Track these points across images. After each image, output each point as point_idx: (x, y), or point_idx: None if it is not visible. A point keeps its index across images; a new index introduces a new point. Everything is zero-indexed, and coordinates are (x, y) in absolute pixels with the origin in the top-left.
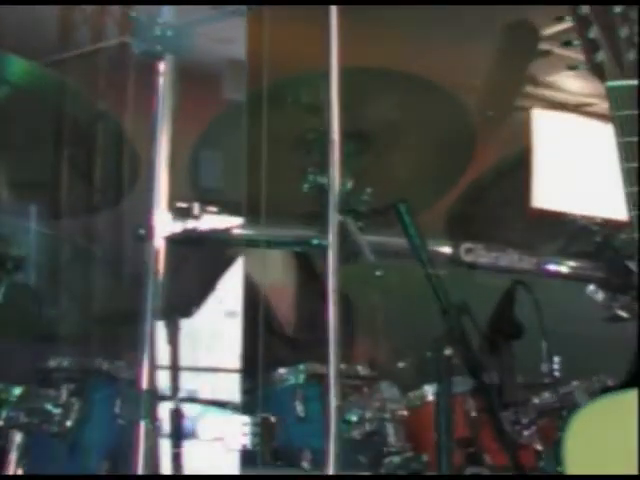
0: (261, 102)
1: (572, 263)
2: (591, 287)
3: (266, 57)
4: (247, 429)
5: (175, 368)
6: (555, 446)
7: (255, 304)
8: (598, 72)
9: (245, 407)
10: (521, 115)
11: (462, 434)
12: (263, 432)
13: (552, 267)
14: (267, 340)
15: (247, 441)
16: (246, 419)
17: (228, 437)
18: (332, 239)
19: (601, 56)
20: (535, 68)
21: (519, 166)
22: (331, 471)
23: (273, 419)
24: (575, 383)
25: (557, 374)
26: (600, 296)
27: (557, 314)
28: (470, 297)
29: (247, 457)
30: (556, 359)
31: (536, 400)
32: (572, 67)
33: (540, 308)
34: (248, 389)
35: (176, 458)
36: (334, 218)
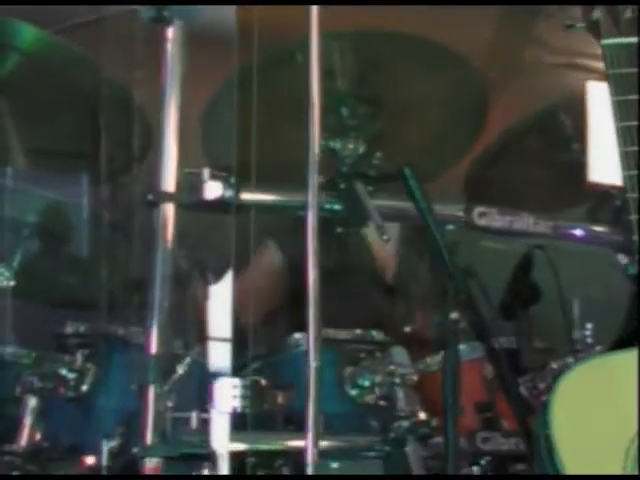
0: (268, 67)
1: (590, 227)
2: (619, 254)
3: (257, 19)
4: (237, 392)
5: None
6: (543, 409)
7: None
8: (594, 30)
9: (256, 372)
10: (534, 78)
11: (479, 399)
12: (253, 395)
13: (569, 231)
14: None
15: (237, 404)
16: (236, 381)
17: (218, 400)
18: (311, 199)
19: (597, 14)
20: (585, 40)
21: (534, 129)
22: (310, 435)
23: (263, 382)
24: (598, 348)
25: (589, 340)
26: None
27: (578, 280)
28: (483, 261)
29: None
30: (588, 325)
31: (554, 365)
32: (569, 26)
33: (558, 272)
34: (262, 354)
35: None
36: (313, 179)
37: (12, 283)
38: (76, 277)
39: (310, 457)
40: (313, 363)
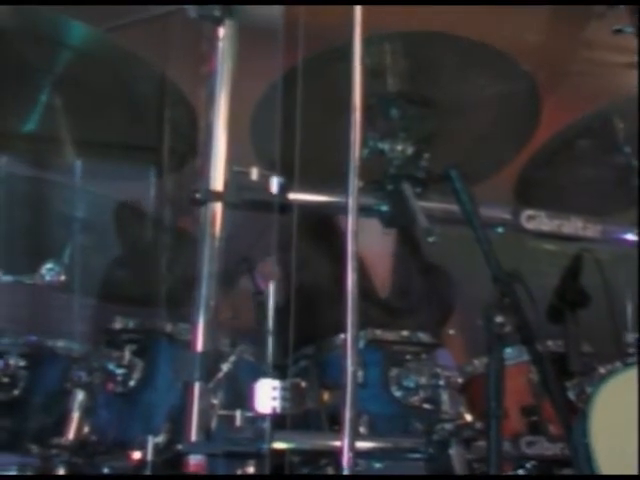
0: (318, 66)
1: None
2: None
3: (302, 20)
4: (277, 393)
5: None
6: (581, 418)
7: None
8: None
9: (301, 373)
10: (584, 80)
11: (526, 402)
12: (293, 397)
13: (619, 235)
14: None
15: (277, 405)
16: (276, 383)
17: (258, 401)
18: (352, 204)
19: None
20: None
21: (586, 132)
22: (347, 437)
23: (303, 384)
24: None
25: None
26: None
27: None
28: (532, 262)
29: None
30: None
31: (602, 370)
32: (617, 31)
33: (606, 276)
34: (307, 355)
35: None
36: (353, 183)
37: (62, 278)
38: (126, 273)
39: (346, 460)
40: (350, 366)
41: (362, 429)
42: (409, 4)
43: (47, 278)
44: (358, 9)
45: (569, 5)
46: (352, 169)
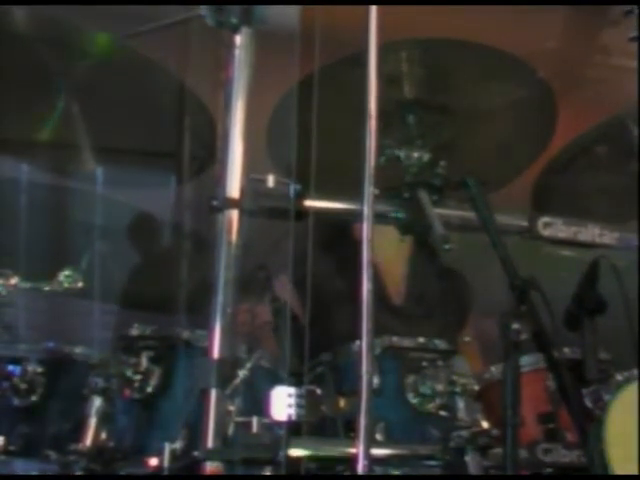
0: (335, 72)
1: None
2: None
3: (319, 26)
4: (292, 400)
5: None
6: (597, 424)
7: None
8: None
9: (317, 379)
10: (600, 87)
11: (543, 409)
12: (308, 404)
13: (635, 242)
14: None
15: (292, 412)
16: (292, 390)
17: (274, 408)
18: (367, 211)
19: None
20: None
21: (602, 138)
22: (362, 444)
23: (319, 391)
24: None
25: None
26: None
27: None
28: (549, 268)
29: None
30: None
31: (619, 377)
32: (633, 38)
33: (623, 282)
34: (324, 362)
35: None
36: (369, 191)
37: (80, 284)
38: (144, 280)
39: (361, 467)
40: (365, 374)
41: (378, 436)
42: (423, 4)
43: (65, 285)
44: (373, 9)
45: (588, 4)
46: (367, 177)
